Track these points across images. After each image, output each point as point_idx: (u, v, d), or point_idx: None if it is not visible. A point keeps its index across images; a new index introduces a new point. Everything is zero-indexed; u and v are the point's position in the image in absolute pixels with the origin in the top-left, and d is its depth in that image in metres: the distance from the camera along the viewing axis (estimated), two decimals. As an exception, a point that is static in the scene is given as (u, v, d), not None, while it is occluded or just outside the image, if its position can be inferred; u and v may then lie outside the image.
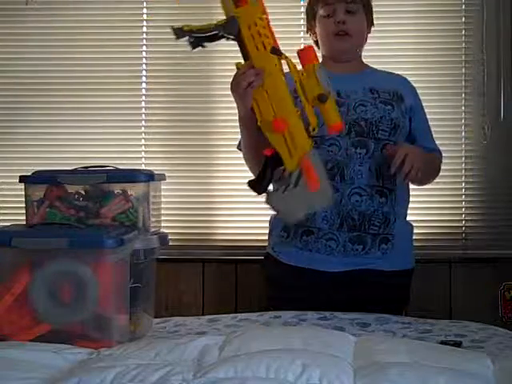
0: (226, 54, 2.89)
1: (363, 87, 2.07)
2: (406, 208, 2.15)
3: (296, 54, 1.78)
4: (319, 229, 2.02)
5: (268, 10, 2.83)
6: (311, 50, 1.79)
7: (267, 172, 1.78)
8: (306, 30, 2.26)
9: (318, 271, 2.02)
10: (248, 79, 1.76)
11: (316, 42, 2.22)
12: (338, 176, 2.00)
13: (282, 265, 2.09)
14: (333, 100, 1.75)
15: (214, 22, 1.76)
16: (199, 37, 1.77)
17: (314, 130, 1.75)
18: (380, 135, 2.03)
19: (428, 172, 2.07)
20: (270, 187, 1.81)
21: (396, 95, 2.09)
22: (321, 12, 2.12)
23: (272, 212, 2.17)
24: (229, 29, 1.76)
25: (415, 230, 2.72)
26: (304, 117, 1.75)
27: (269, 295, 2.16)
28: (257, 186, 1.81)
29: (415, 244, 2.69)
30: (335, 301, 1.95)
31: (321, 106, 1.74)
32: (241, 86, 1.77)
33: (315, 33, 2.19)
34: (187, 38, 1.76)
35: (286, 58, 1.76)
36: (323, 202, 1.78)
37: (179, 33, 1.77)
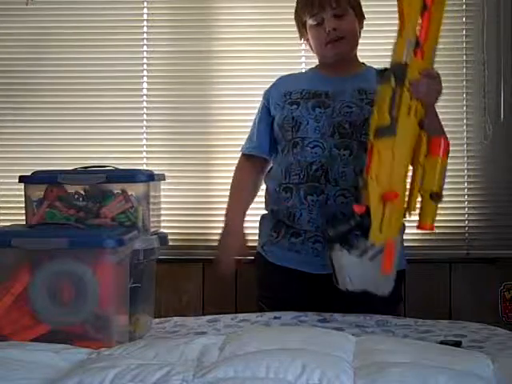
0: (227, 55, 2.90)
1: (352, 88, 2.06)
2: None
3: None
4: (306, 231, 2.03)
5: (269, 10, 2.86)
6: (446, 144, 1.74)
7: (347, 225, 1.73)
8: (299, 37, 2.26)
9: (305, 272, 2.02)
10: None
11: (312, 48, 2.23)
12: (322, 177, 2.00)
13: (271, 264, 2.11)
14: (439, 203, 1.73)
15: (396, 57, 1.74)
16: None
17: (409, 215, 1.72)
18: (363, 138, 1.97)
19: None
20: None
21: None
22: (310, 22, 2.12)
23: (264, 212, 2.18)
24: (397, 71, 1.72)
25: (417, 231, 2.72)
26: None
27: (259, 293, 2.17)
28: (334, 232, 1.75)
29: (417, 244, 2.70)
30: (322, 303, 1.94)
31: (427, 199, 1.72)
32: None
33: (308, 39, 2.19)
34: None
35: (425, 136, 1.73)
36: (382, 289, 1.71)
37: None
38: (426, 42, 1.77)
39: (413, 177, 1.73)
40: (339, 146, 2.02)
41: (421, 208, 1.73)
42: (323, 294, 1.97)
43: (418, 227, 1.75)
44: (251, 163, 2.23)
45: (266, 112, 2.19)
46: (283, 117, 2.10)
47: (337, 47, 2.07)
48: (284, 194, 2.07)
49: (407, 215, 1.73)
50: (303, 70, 2.56)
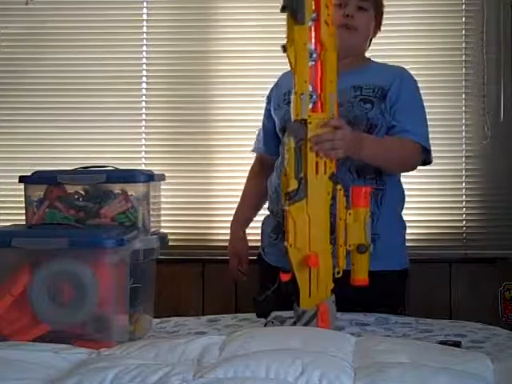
0: (226, 54, 2.90)
1: (348, 85, 2.01)
2: (398, 206, 2.11)
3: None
4: None
5: (269, 10, 2.86)
6: (367, 193, 1.68)
7: (273, 296, 1.71)
8: None
9: None
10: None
11: None
12: None
13: (270, 266, 2.10)
14: (369, 254, 1.67)
15: (294, 115, 1.68)
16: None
17: (338, 273, 1.67)
18: None
19: (387, 157, 1.98)
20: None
21: (380, 91, 2.04)
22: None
23: (267, 212, 2.19)
24: (295, 131, 1.67)
25: (415, 231, 2.72)
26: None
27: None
28: (259, 306, 1.74)
29: (416, 244, 2.69)
30: None
31: (355, 253, 1.67)
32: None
33: None
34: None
35: (341, 189, 1.67)
36: None
37: None
38: (323, 92, 1.70)
39: (336, 233, 1.67)
40: None
41: (352, 262, 1.68)
42: None
43: (352, 282, 1.69)
44: (261, 163, 2.28)
45: (268, 115, 2.21)
46: (280, 118, 2.10)
47: (347, 34, 2.04)
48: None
49: (336, 273, 1.67)
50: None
